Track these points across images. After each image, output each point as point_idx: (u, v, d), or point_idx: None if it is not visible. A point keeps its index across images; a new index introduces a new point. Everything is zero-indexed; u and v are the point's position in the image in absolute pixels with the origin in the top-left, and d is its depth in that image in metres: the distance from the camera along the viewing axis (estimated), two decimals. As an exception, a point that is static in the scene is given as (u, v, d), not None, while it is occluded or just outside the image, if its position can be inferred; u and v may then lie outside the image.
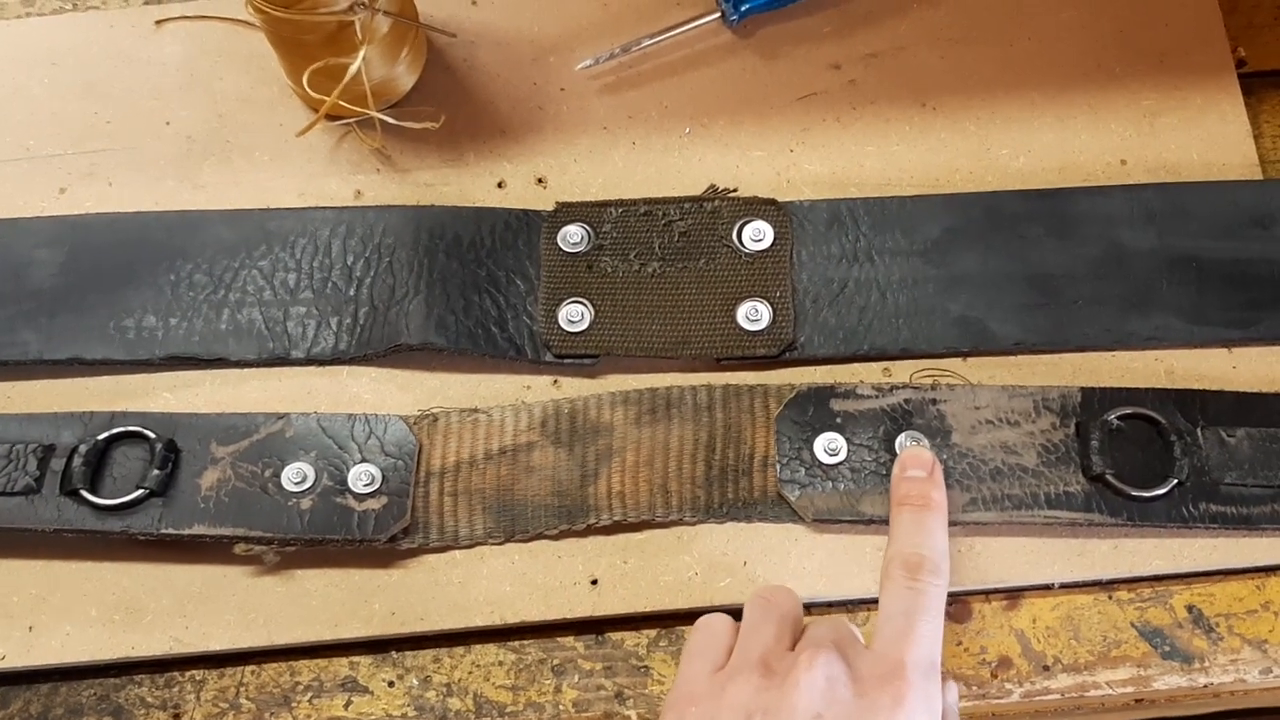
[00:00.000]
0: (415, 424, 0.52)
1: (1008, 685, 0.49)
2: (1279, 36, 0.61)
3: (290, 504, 0.50)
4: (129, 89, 0.61)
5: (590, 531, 0.51)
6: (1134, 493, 0.49)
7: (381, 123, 0.57)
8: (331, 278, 0.55)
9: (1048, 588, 0.50)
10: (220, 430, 0.52)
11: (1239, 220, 0.55)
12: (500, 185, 0.58)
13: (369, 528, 0.50)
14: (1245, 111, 0.58)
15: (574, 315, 0.54)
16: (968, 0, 0.61)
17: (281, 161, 0.59)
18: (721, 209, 0.56)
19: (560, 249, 0.55)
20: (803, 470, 0.50)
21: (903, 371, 0.54)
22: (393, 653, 0.50)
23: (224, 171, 0.59)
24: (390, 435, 0.51)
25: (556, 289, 0.55)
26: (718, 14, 0.60)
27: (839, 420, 0.51)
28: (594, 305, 0.54)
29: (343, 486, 0.50)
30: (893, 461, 0.50)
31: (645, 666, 0.50)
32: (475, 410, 0.53)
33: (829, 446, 0.51)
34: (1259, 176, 0.57)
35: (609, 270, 0.55)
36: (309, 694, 0.50)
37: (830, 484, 0.50)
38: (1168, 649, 0.49)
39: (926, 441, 0.50)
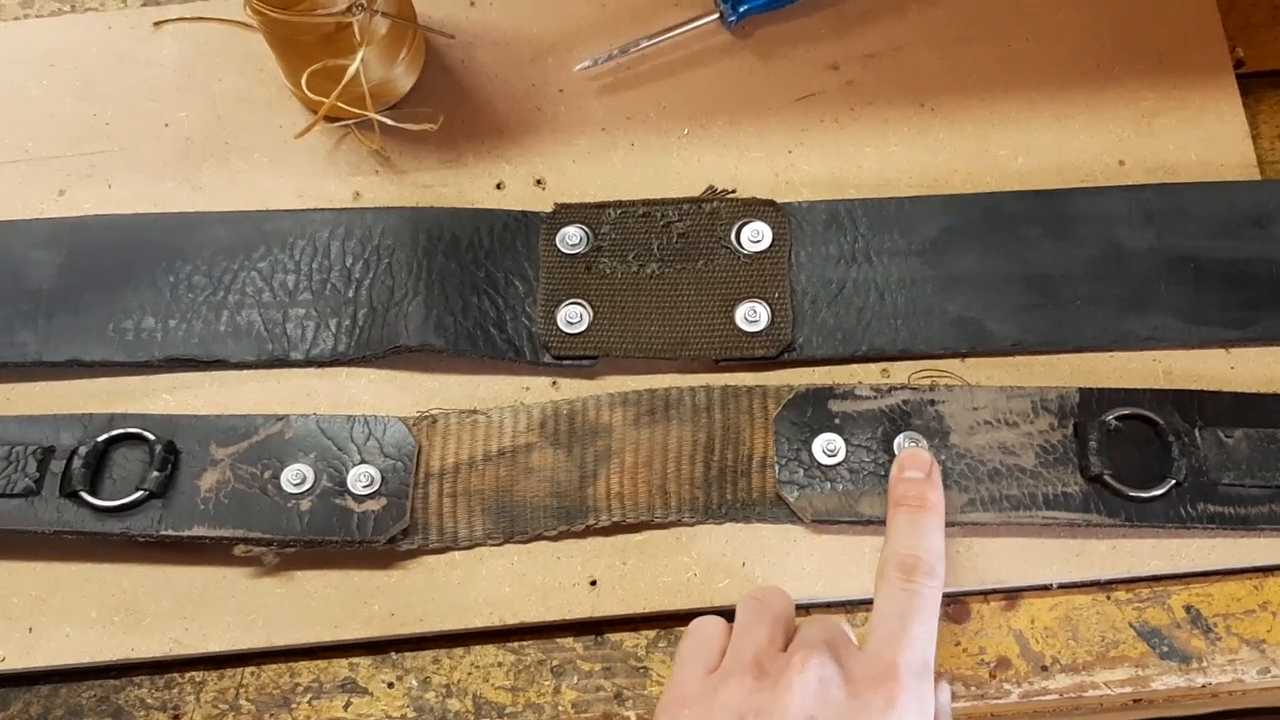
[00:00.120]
0: (414, 425, 0.52)
1: (1006, 685, 0.49)
2: (1277, 36, 0.61)
3: (290, 505, 0.50)
4: (127, 90, 0.61)
5: (589, 532, 0.51)
6: (1132, 493, 0.49)
7: (380, 124, 0.57)
8: (330, 279, 0.55)
9: (1046, 588, 0.50)
10: (219, 432, 0.52)
11: (1237, 220, 0.55)
12: (499, 186, 0.58)
13: (368, 529, 0.50)
14: (1243, 112, 0.58)
15: (573, 316, 0.54)
16: (965, 0, 0.61)
17: (280, 163, 0.59)
18: (720, 210, 0.56)
19: (559, 250, 0.55)
20: (801, 471, 0.50)
21: (901, 372, 0.54)
22: (392, 654, 0.50)
23: (223, 173, 0.59)
24: (389, 437, 0.51)
25: (555, 290, 0.55)
26: (716, 15, 0.60)
27: (837, 421, 0.51)
28: (593, 306, 0.54)
29: (342, 488, 0.50)
30: (891, 462, 0.50)
31: (644, 667, 0.50)
32: (474, 411, 0.53)
33: (827, 447, 0.51)
34: (1257, 177, 0.57)
35: (608, 271, 0.55)
36: (308, 695, 0.50)
37: (829, 485, 0.50)
38: (1166, 649, 0.49)
39: (925, 442, 0.50)
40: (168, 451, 0.51)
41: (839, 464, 0.50)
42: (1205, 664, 0.49)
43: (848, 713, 0.40)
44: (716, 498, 0.51)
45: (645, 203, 0.56)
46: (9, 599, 0.51)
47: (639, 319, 0.54)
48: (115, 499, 0.50)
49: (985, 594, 0.50)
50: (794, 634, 0.44)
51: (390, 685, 0.50)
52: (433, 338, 0.53)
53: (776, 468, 0.51)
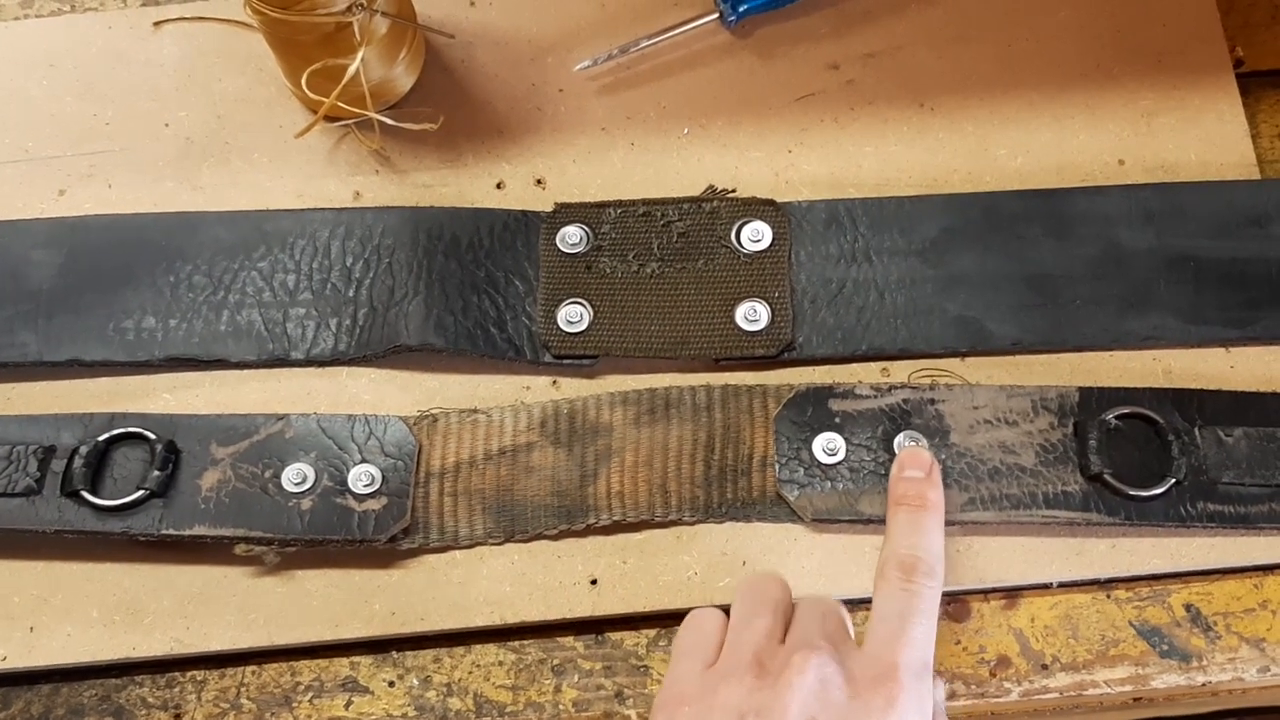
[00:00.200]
0: (415, 425, 0.52)
1: (1006, 684, 0.49)
2: (1276, 36, 0.61)
3: (290, 504, 0.50)
4: (127, 90, 0.61)
5: (589, 531, 0.51)
6: (1132, 492, 0.49)
7: (380, 124, 0.57)
8: (330, 279, 0.55)
9: (1046, 587, 0.50)
10: (220, 431, 0.52)
11: (1236, 220, 0.55)
12: (499, 186, 0.58)
13: (369, 528, 0.50)
14: (1243, 111, 0.58)
15: (573, 316, 0.54)
16: (965, 0, 0.61)
17: (280, 163, 0.59)
18: (720, 209, 0.56)
19: (559, 250, 0.55)
20: (801, 470, 0.50)
21: (901, 371, 0.54)
22: (393, 653, 0.50)
23: (223, 173, 0.59)
24: (390, 436, 0.51)
25: (555, 290, 0.55)
26: (716, 15, 0.60)
27: (837, 420, 0.51)
28: (593, 306, 0.54)
29: (343, 487, 0.50)
30: (891, 461, 0.50)
31: (645, 666, 0.50)
32: (475, 411, 0.53)
33: (828, 446, 0.51)
34: (1256, 176, 0.57)
35: (608, 271, 0.55)
36: (309, 694, 0.50)
37: (829, 484, 0.50)
38: (1166, 648, 0.49)
39: (925, 441, 0.50)
40: (168, 451, 0.51)
41: (839, 463, 0.50)
42: (1205, 662, 0.49)
43: (848, 713, 0.40)
44: (717, 497, 0.51)
45: (645, 202, 0.56)
46: (10, 598, 0.51)
47: (639, 318, 0.54)
48: (116, 498, 0.50)
49: (985, 593, 0.51)
50: (792, 616, 0.44)
51: (391, 684, 0.50)
52: (433, 337, 0.53)
53: (777, 467, 0.51)
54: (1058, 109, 0.59)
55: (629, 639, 0.50)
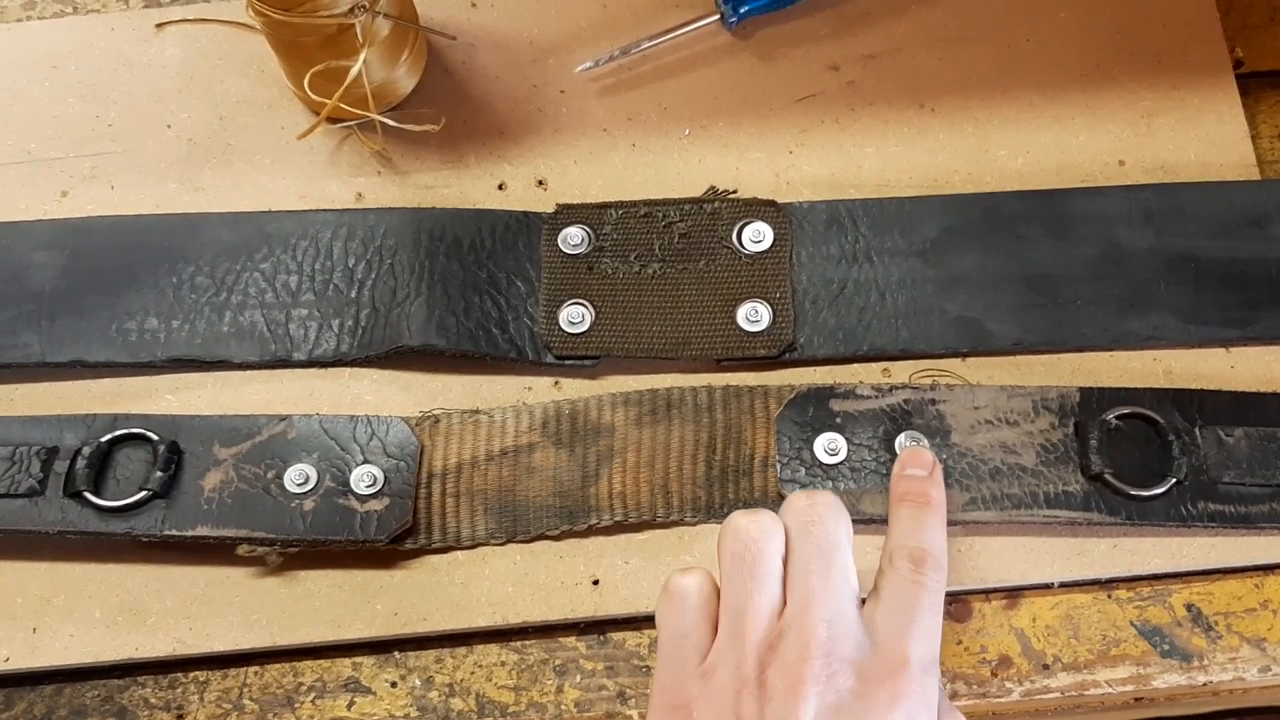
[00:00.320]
0: (417, 425, 0.52)
1: (1008, 684, 0.49)
2: (1275, 37, 0.61)
3: (293, 505, 0.50)
4: (129, 92, 0.61)
5: (592, 532, 0.51)
6: (1133, 492, 0.49)
7: (382, 125, 0.57)
8: (333, 280, 0.55)
9: (1047, 587, 0.51)
10: (223, 432, 0.52)
11: (1236, 220, 0.55)
12: (501, 187, 0.58)
13: (371, 529, 0.50)
14: (1243, 112, 0.58)
15: (575, 317, 0.54)
16: (965, 1, 0.61)
17: (282, 164, 0.59)
18: (721, 210, 0.56)
19: (561, 250, 0.55)
20: (803, 470, 0.51)
21: (902, 372, 0.54)
22: (395, 653, 0.51)
23: (225, 174, 0.59)
24: (392, 437, 0.52)
25: (557, 290, 0.55)
26: (717, 16, 0.60)
27: (839, 420, 0.51)
28: (594, 306, 0.54)
29: (345, 488, 0.50)
30: (892, 461, 0.50)
31: (647, 666, 0.50)
32: (477, 411, 0.53)
33: (829, 446, 0.51)
34: (1256, 177, 0.57)
35: (609, 272, 0.55)
36: (312, 694, 0.50)
37: (830, 484, 0.50)
38: (1167, 647, 0.49)
39: (926, 441, 0.51)
40: (171, 452, 0.51)
41: (840, 463, 0.51)
42: (1206, 662, 0.49)
43: (856, 711, 0.40)
44: (719, 497, 0.51)
45: (647, 203, 0.56)
46: (13, 599, 0.51)
47: (641, 319, 0.54)
48: (119, 499, 0.50)
49: (986, 593, 0.51)
50: (788, 563, 0.43)
51: (393, 684, 0.50)
52: (435, 338, 0.53)
53: (778, 467, 0.51)
54: (1058, 109, 0.59)
55: (631, 639, 0.51)
